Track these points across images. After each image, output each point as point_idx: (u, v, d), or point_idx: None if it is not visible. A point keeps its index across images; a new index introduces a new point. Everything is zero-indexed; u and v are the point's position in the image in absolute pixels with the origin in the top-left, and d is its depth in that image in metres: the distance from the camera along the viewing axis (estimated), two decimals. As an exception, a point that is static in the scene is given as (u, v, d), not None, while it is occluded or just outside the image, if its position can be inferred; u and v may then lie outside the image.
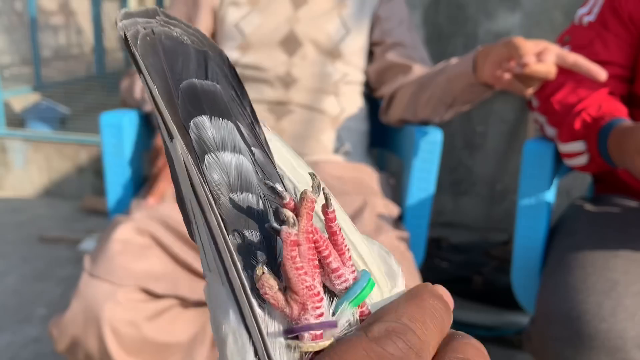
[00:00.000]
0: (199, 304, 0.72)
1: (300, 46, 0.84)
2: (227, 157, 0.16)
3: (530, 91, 0.70)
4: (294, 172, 0.17)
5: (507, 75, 0.67)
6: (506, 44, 0.67)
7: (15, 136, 1.97)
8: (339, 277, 0.15)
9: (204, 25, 0.87)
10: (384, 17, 0.89)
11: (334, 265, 0.15)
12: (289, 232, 0.14)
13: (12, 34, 2.89)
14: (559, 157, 0.75)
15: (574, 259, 0.64)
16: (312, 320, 0.14)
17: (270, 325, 0.15)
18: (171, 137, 0.16)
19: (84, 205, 1.82)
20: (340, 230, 0.16)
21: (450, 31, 1.59)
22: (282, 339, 0.14)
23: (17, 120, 2.13)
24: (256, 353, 0.14)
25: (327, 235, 0.15)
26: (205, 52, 0.17)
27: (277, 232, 0.15)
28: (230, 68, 0.18)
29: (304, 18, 0.85)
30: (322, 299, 0.15)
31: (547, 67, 0.65)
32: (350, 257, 0.16)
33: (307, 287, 0.14)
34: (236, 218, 0.15)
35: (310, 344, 0.14)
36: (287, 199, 0.15)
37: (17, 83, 2.50)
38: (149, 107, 0.85)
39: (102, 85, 2.62)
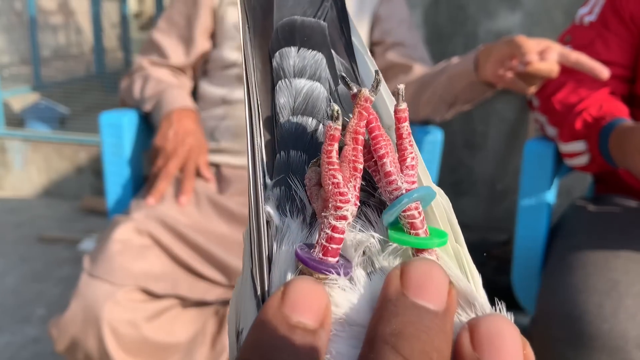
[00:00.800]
0: (198, 304, 0.71)
1: None
2: (301, 83, 0.16)
3: (532, 90, 0.69)
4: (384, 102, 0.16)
5: (509, 74, 0.67)
6: (508, 43, 0.67)
7: (15, 136, 1.97)
8: (390, 183, 0.14)
9: (203, 24, 0.87)
10: (384, 16, 0.89)
11: (388, 168, 0.14)
12: (330, 125, 0.13)
13: (12, 33, 2.88)
14: (559, 157, 0.75)
15: (574, 259, 0.64)
16: (332, 220, 0.13)
17: (284, 242, 0.14)
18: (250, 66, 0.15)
19: (84, 205, 1.82)
20: (410, 134, 0.15)
21: (451, 31, 1.59)
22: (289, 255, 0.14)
23: (16, 120, 2.13)
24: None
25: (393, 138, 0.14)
26: None
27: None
28: (343, 8, 0.18)
29: (303, 18, 0.85)
30: (347, 201, 0.13)
31: (549, 66, 0.65)
32: (413, 166, 0.14)
33: (333, 183, 0.13)
34: (289, 138, 0.15)
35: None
36: (355, 90, 0.14)
37: (16, 83, 2.49)
38: (148, 106, 0.85)
39: (101, 85, 2.62)
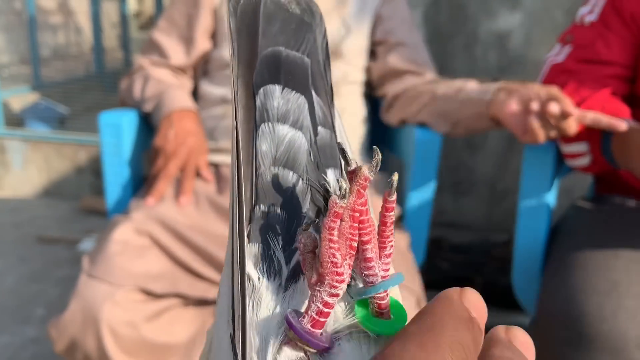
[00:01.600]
0: (198, 303, 0.71)
1: None
2: (284, 130, 0.15)
3: (542, 139, 0.65)
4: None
5: (533, 118, 0.64)
6: (544, 88, 0.65)
7: (14, 136, 1.96)
8: (369, 268, 0.15)
9: (204, 25, 0.87)
10: (386, 16, 0.89)
11: (369, 254, 0.15)
12: (335, 202, 0.13)
13: (11, 33, 2.88)
14: (560, 158, 0.75)
15: (574, 260, 0.64)
16: (325, 296, 0.14)
17: (264, 301, 0.14)
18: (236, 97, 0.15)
19: (83, 205, 1.81)
20: (392, 223, 0.15)
21: (451, 30, 1.59)
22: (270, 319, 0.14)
23: (15, 120, 2.13)
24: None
25: (377, 223, 0.15)
26: (309, 23, 0.17)
27: (325, 200, 0.14)
28: (325, 41, 0.18)
29: (304, 18, 0.85)
30: (342, 281, 0.14)
31: (576, 124, 0.63)
32: (390, 254, 0.15)
33: (332, 262, 0.14)
34: (269, 192, 0.15)
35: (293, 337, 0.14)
36: (353, 166, 0.14)
37: (15, 82, 2.49)
38: (148, 107, 0.84)
39: (101, 85, 2.61)
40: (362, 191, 0.14)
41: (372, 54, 0.90)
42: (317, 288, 0.14)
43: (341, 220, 0.14)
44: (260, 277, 0.14)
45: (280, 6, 0.17)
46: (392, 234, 0.15)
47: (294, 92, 0.16)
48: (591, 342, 0.56)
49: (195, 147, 0.79)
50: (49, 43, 3.13)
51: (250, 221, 0.15)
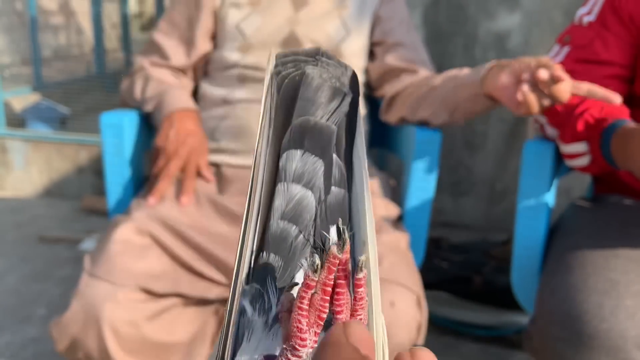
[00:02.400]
0: (199, 303, 0.72)
1: (301, 47, 0.84)
2: (296, 190, 0.18)
3: (536, 110, 0.65)
4: (359, 222, 0.18)
5: (525, 86, 0.64)
6: (532, 58, 0.65)
7: (15, 136, 1.97)
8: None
9: (204, 26, 0.87)
10: (384, 17, 0.89)
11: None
12: (308, 275, 0.15)
13: (12, 33, 2.89)
14: (558, 157, 0.75)
15: (573, 259, 0.64)
16: (289, 355, 0.15)
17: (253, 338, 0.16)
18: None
19: (84, 205, 1.82)
20: (364, 298, 0.16)
21: (450, 31, 1.59)
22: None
23: (17, 121, 2.13)
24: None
25: (351, 295, 0.16)
26: (345, 93, 0.19)
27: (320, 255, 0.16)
28: (355, 109, 0.19)
29: (304, 19, 0.85)
30: (305, 346, 0.16)
31: (567, 91, 0.62)
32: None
33: (298, 328, 0.15)
34: (274, 241, 0.17)
35: None
36: (327, 248, 0.16)
37: (17, 83, 2.50)
38: (149, 107, 0.85)
39: (102, 85, 2.62)
40: (332, 267, 0.16)
41: (371, 54, 0.91)
42: (285, 346, 0.16)
43: (314, 291, 0.15)
44: (254, 312, 0.17)
45: (320, 83, 0.18)
46: (362, 308, 0.16)
47: (313, 155, 0.18)
48: (590, 341, 0.56)
49: (196, 147, 0.80)
50: (50, 44, 3.14)
51: (255, 263, 0.17)
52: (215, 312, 0.74)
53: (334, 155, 0.18)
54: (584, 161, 0.70)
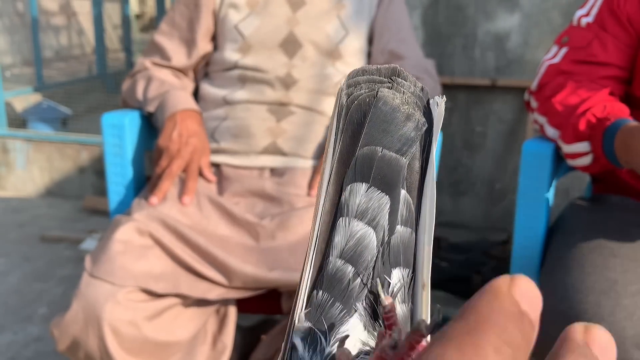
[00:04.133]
0: (199, 302, 0.72)
1: (300, 47, 0.85)
2: (358, 226, 0.17)
3: None
4: (424, 268, 0.17)
5: None
6: None
7: (17, 136, 1.98)
8: None
9: (204, 27, 0.88)
10: (382, 21, 0.89)
11: None
12: (386, 352, 0.14)
13: (14, 34, 2.89)
14: (557, 157, 0.75)
15: (572, 259, 0.65)
16: None
17: None
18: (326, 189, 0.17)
19: (86, 205, 1.82)
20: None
21: (450, 32, 1.59)
22: None
23: (18, 121, 2.14)
24: None
25: None
26: (419, 120, 0.17)
27: (375, 300, 0.16)
28: (430, 136, 0.18)
29: (303, 19, 0.85)
30: None
31: None
32: None
33: None
34: (327, 280, 0.17)
35: None
36: (386, 304, 0.16)
37: (18, 83, 2.50)
38: (151, 108, 0.85)
39: (103, 86, 2.62)
40: (415, 345, 0.14)
41: (368, 56, 0.91)
42: None
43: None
44: (305, 350, 0.16)
45: (393, 108, 0.17)
46: None
47: (379, 191, 0.17)
48: (588, 340, 0.57)
49: (199, 148, 0.80)
50: (51, 44, 3.14)
51: (309, 300, 0.17)
52: (216, 311, 0.74)
53: (403, 191, 0.17)
54: (586, 160, 0.70)
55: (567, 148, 0.70)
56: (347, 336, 0.16)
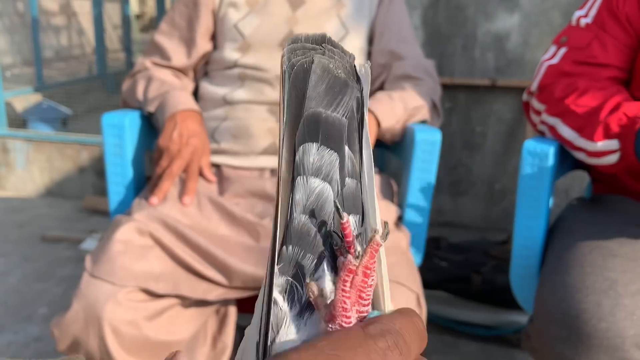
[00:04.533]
0: (199, 303, 0.72)
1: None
2: (315, 183, 0.18)
3: None
4: (373, 212, 0.20)
5: None
6: None
7: (17, 136, 1.98)
8: (364, 305, 0.18)
9: (204, 26, 0.88)
10: (382, 21, 0.89)
11: (347, 306, 0.18)
12: (350, 261, 0.17)
13: (14, 34, 2.90)
14: (557, 157, 0.75)
15: (572, 259, 0.65)
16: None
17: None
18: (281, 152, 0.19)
19: (86, 205, 1.82)
20: (372, 278, 0.18)
21: (450, 32, 1.59)
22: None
23: (18, 121, 2.14)
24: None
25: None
26: (350, 84, 0.19)
27: (344, 256, 0.18)
28: (362, 97, 0.20)
29: (302, 18, 0.85)
30: (350, 323, 0.18)
31: None
32: (369, 302, 0.19)
33: (343, 308, 0.17)
34: (295, 235, 0.18)
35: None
36: (345, 219, 0.18)
37: (18, 84, 2.51)
38: (151, 108, 0.85)
39: (103, 86, 2.62)
40: (374, 253, 0.17)
41: (369, 56, 0.91)
42: (330, 325, 0.17)
43: (354, 274, 0.17)
44: (285, 303, 0.18)
45: (328, 71, 0.19)
46: (371, 286, 0.18)
47: (328, 149, 0.19)
48: (589, 340, 0.57)
49: (199, 148, 0.80)
50: (51, 44, 3.15)
51: (279, 256, 0.18)
52: (216, 311, 0.74)
53: (346, 147, 0.19)
54: (612, 159, 0.68)
55: (592, 146, 0.69)
56: (318, 279, 0.18)
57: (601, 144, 0.68)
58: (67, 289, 1.29)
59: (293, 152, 0.18)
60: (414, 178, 0.83)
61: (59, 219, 1.74)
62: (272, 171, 0.84)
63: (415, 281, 0.71)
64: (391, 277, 0.68)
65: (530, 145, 0.75)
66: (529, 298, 0.74)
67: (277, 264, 0.18)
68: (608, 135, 0.68)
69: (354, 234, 0.18)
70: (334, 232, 0.18)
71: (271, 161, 0.83)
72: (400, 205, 0.85)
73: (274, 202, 0.19)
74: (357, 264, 0.17)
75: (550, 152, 0.73)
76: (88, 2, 2.69)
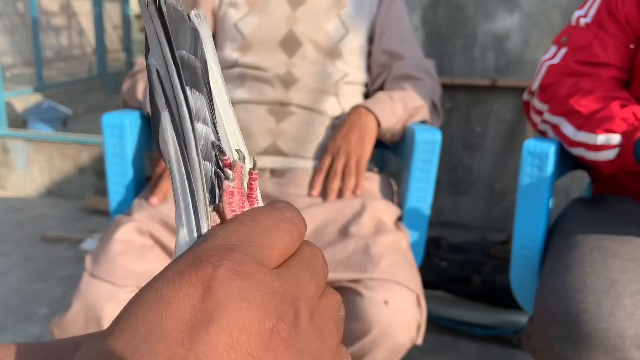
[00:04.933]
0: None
1: (300, 46, 0.85)
2: (200, 127, 0.19)
3: None
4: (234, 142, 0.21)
5: None
6: None
7: (17, 136, 1.98)
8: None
9: (204, 26, 0.88)
10: (382, 20, 0.89)
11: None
12: (228, 185, 0.19)
13: (14, 34, 2.90)
14: (557, 157, 0.75)
15: (572, 259, 0.65)
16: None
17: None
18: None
19: (86, 205, 1.83)
20: (257, 189, 0.20)
21: (449, 32, 1.59)
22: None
23: (19, 121, 2.14)
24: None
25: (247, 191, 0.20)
26: (196, 29, 0.20)
27: (220, 183, 0.20)
28: (204, 45, 0.20)
29: (302, 18, 0.85)
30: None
31: None
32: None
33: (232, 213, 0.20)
34: (208, 183, 0.20)
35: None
36: (227, 156, 0.20)
37: (19, 84, 2.51)
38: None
39: (103, 86, 2.62)
40: (240, 175, 0.20)
41: (369, 55, 0.91)
42: None
43: (233, 194, 0.19)
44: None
45: (180, 15, 0.19)
46: (257, 195, 0.20)
47: (197, 92, 0.19)
48: (589, 340, 0.57)
49: None
50: (51, 44, 3.15)
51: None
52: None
53: (205, 93, 0.19)
54: (610, 154, 0.68)
55: (592, 139, 0.69)
56: (217, 204, 0.19)
57: (602, 137, 0.68)
58: (67, 289, 1.29)
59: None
60: (414, 178, 0.83)
61: (59, 219, 1.74)
62: (272, 171, 0.84)
63: (415, 281, 0.71)
64: (391, 277, 0.68)
65: (530, 145, 0.75)
66: (529, 298, 0.75)
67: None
68: (611, 129, 0.68)
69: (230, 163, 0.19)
70: (217, 169, 0.20)
71: (271, 161, 0.83)
72: (400, 205, 0.85)
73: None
74: (233, 186, 0.19)
75: (550, 152, 0.73)
76: (88, 2, 2.69)
